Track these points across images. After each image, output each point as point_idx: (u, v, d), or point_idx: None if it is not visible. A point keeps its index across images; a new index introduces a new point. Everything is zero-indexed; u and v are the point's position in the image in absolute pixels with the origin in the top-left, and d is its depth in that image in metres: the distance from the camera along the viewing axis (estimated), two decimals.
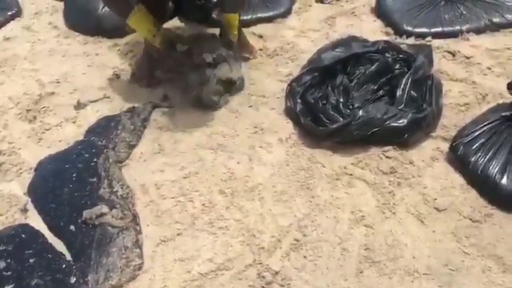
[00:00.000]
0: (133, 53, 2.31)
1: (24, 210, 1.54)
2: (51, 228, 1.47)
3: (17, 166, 1.70)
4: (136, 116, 1.86)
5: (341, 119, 1.69)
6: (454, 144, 1.62)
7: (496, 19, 2.26)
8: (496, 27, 2.25)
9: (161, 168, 1.67)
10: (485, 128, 1.61)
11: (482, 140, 1.57)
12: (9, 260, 1.36)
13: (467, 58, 2.10)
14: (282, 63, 2.19)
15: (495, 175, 1.48)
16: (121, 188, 1.59)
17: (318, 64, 1.94)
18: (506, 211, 1.44)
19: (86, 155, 1.70)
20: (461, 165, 1.58)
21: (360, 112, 1.68)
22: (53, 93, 2.05)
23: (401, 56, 1.97)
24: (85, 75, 2.17)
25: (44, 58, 2.30)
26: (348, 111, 1.75)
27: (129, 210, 1.51)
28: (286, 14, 2.55)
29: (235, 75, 1.96)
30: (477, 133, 1.60)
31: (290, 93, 1.89)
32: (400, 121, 1.67)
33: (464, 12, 2.32)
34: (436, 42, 2.21)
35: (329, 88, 1.84)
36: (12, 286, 1.30)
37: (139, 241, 1.42)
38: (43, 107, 1.97)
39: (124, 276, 1.33)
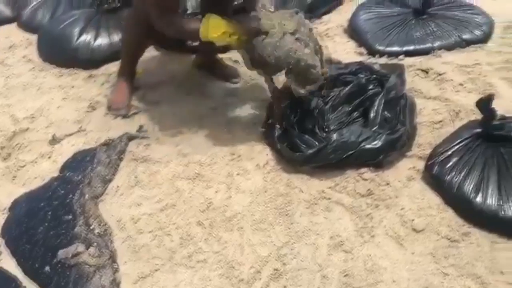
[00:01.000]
0: (109, 83, 2.30)
1: None
2: (25, 271, 1.44)
3: None
4: (112, 148, 1.85)
5: (316, 143, 1.70)
6: (428, 163, 1.64)
7: (465, 35, 2.31)
8: (466, 43, 2.30)
9: (137, 201, 1.65)
10: (458, 146, 1.62)
11: (456, 159, 1.58)
12: None
13: (440, 75, 2.13)
14: (259, 89, 2.19)
15: (470, 193, 1.49)
16: (98, 225, 1.57)
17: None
18: (483, 229, 1.45)
19: (62, 192, 1.68)
20: (436, 184, 1.59)
21: (335, 136, 1.69)
22: (27, 128, 2.03)
23: (374, 76, 1.99)
24: (60, 109, 2.16)
25: (18, 92, 2.28)
26: (324, 134, 1.75)
27: (107, 247, 1.48)
28: None
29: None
30: (450, 151, 1.61)
31: (267, 118, 1.89)
32: (375, 143, 1.68)
33: (434, 29, 2.37)
34: (408, 60, 2.25)
35: (305, 112, 1.84)
36: None
37: (117, 280, 1.40)
38: (18, 144, 1.95)
39: None
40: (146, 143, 1.91)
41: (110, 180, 1.74)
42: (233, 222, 1.55)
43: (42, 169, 1.83)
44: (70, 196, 1.66)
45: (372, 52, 2.37)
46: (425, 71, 2.16)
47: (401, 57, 2.30)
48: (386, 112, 1.78)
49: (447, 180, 1.55)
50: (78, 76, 2.39)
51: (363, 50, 2.41)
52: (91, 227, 1.55)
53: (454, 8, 2.48)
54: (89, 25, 2.55)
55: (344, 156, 1.66)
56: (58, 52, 2.52)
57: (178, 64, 2.41)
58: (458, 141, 1.64)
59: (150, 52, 2.42)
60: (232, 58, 2.42)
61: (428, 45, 2.31)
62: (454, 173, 1.55)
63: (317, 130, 1.76)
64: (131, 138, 1.93)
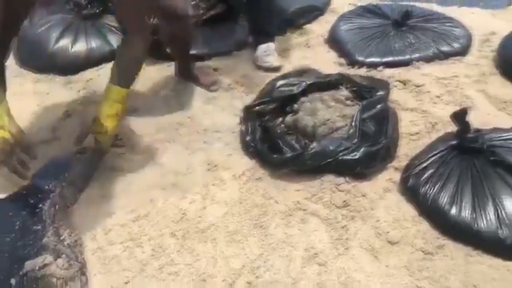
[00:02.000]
0: (85, 90, 2.27)
1: None
2: None
3: None
4: (86, 157, 1.81)
5: (297, 146, 1.69)
6: (404, 175, 1.63)
7: (443, 48, 2.33)
8: (444, 56, 2.32)
9: (110, 211, 1.62)
10: (434, 158, 1.63)
11: (431, 171, 1.58)
12: None
13: (418, 86, 2.15)
14: (237, 97, 2.19)
15: (445, 205, 1.49)
16: (69, 235, 1.52)
17: (274, 94, 1.96)
18: (457, 241, 1.45)
19: (31, 201, 1.63)
20: (412, 196, 1.58)
21: (314, 143, 1.70)
22: None
23: (354, 89, 2.00)
24: (34, 115, 2.11)
25: None
26: (306, 141, 1.77)
27: (76, 259, 1.44)
28: (241, 47, 2.57)
29: None
30: (426, 163, 1.61)
31: (247, 118, 1.88)
32: (353, 154, 1.68)
33: (413, 41, 2.39)
34: (387, 72, 2.26)
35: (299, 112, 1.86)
36: None
37: None
38: None
39: None
40: (121, 152, 1.88)
41: (83, 189, 1.70)
42: (206, 233, 1.53)
43: (13, 178, 1.78)
44: (40, 205, 1.61)
45: (352, 63, 2.37)
46: (404, 83, 2.18)
47: (380, 68, 2.30)
48: (369, 124, 1.77)
49: (422, 192, 1.55)
50: (55, 82, 2.35)
51: (343, 60, 2.41)
52: (61, 238, 1.51)
53: (433, 21, 2.50)
54: (67, 31, 2.51)
55: (322, 164, 1.66)
56: (35, 57, 2.48)
57: (157, 71, 2.39)
58: (434, 153, 1.64)
59: None
60: (212, 65, 2.41)
61: (407, 56, 2.32)
62: (429, 185, 1.55)
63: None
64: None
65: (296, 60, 2.46)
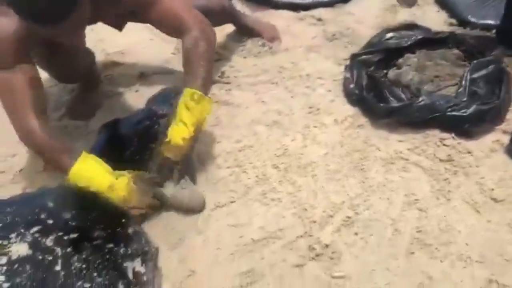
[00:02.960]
0: None
1: None
2: None
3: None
4: None
5: (405, 98, 1.69)
6: None
7: None
8: None
9: (217, 139, 1.72)
10: None
11: None
12: None
13: None
14: (341, 47, 2.18)
15: None
16: None
17: (381, 45, 1.94)
18: None
19: (148, 123, 1.76)
20: None
21: (424, 96, 1.67)
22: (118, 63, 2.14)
23: (465, 48, 1.94)
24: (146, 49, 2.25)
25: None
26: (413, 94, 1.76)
27: None
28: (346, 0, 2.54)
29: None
30: None
31: (353, 66, 1.89)
32: (463, 111, 1.65)
33: None
34: None
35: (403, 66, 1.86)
36: None
37: None
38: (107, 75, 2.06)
39: None
40: (227, 88, 1.96)
41: None
42: (307, 169, 1.59)
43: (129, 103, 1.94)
44: (156, 127, 1.73)
45: (463, 24, 2.27)
46: None
47: (494, 31, 2.19)
48: (480, 84, 1.72)
49: None
50: None
51: (454, 21, 2.32)
52: None
53: None
54: None
55: (429, 117, 1.64)
56: None
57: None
58: None
59: None
60: (315, 15, 2.41)
61: None
62: None
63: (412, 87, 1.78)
64: (214, 81, 1.98)
65: (403, 17, 2.38)
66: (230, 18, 2.16)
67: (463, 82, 1.75)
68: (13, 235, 1.37)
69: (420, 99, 1.67)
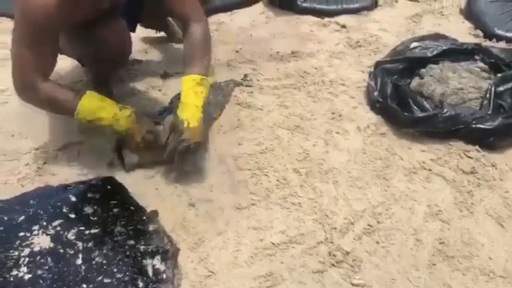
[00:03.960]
0: (218, 32, 2.37)
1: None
2: None
3: None
4: (218, 90, 1.92)
5: (430, 108, 1.68)
6: None
7: None
8: None
9: (239, 141, 1.72)
10: None
11: None
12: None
13: None
14: (365, 55, 2.18)
15: None
16: None
17: (406, 54, 1.93)
18: None
19: None
20: None
21: (449, 107, 1.66)
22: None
23: (491, 60, 1.92)
24: None
25: None
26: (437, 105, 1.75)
27: None
28: (371, 7, 2.54)
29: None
30: None
31: (377, 74, 1.88)
32: (488, 124, 1.63)
33: None
34: None
35: (425, 77, 1.84)
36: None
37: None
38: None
39: None
40: (249, 90, 1.97)
41: (215, 119, 1.82)
42: (329, 175, 1.58)
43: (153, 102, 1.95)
44: None
45: (489, 36, 2.26)
46: None
47: None
48: (505, 98, 1.71)
49: None
50: None
51: (479, 32, 2.31)
52: None
53: None
54: None
55: (454, 129, 1.63)
56: None
57: (284, 22, 2.44)
58: None
59: None
60: (340, 22, 2.41)
61: None
62: None
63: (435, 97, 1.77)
64: (236, 84, 1.99)
65: (428, 26, 2.39)
66: None
67: (488, 95, 1.74)
68: (35, 228, 1.38)
69: (445, 110, 1.66)
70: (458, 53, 1.97)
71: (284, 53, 2.19)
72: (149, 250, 1.34)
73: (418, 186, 1.53)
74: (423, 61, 1.94)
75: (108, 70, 1.81)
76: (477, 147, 1.64)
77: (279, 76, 2.05)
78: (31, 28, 1.36)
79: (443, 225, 1.40)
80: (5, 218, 1.41)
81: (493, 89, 1.75)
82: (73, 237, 1.36)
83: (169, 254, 1.33)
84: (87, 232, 1.38)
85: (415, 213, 1.44)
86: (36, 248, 1.33)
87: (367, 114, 1.83)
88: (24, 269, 1.28)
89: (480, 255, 1.33)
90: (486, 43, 2.21)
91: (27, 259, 1.30)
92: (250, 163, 1.63)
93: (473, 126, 1.63)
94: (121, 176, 1.57)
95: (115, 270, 1.29)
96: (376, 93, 1.84)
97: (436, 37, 2.07)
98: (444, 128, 1.64)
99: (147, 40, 2.27)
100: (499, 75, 1.85)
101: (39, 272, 1.27)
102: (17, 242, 1.34)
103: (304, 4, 2.51)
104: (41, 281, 1.24)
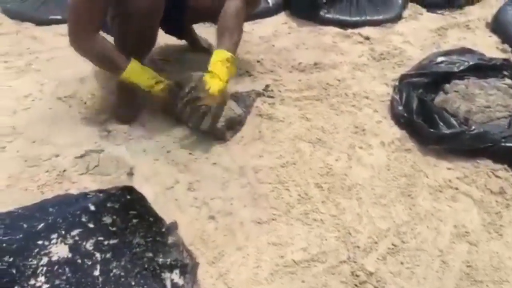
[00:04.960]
0: None
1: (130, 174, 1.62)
2: None
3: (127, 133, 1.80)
4: (240, 101, 1.90)
5: (456, 125, 1.63)
6: None
7: None
8: None
9: (260, 153, 1.69)
10: None
11: None
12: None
13: None
14: (389, 68, 2.14)
15: None
16: None
17: (432, 69, 1.89)
18: None
19: None
20: None
21: (477, 124, 1.62)
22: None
23: None
24: None
25: None
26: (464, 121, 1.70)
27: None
28: (395, 19, 2.50)
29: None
30: None
31: (402, 88, 1.85)
32: None
33: None
34: None
35: (449, 93, 1.78)
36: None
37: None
38: None
39: None
40: (271, 102, 1.94)
41: (238, 130, 1.79)
42: (352, 191, 1.54)
43: None
44: None
45: None
46: None
47: None
48: None
49: None
50: None
51: (507, 47, 2.25)
52: None
53: None
54: None
55: (482, 147, 1.58)
56: None
57: (308, 33, 2.42)
58: None
59: None
60: (363, 34, 2.38)
61: None
62: None
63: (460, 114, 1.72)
64: (258, 94, 1.97)
65: (454, 40, 2.35)
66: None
67: None
68: (54, 236, 1.37)
69: (473, 127, 1.61)
70: (485, 68, 1.92)
71: (306, 64, 2.17)
72: (168, 263, 1.32)
73: (444, 205, 1.49)
74: (449, 76, 1.90)
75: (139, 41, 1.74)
76: (505, 166, 1.59)
77: (301, 87, 2.02)
78: None
79: (471, 247, 1.35)
80: (25, 225, 1.40)
81: None
82: (91, 248, 1.35)
83: (188, 268, 1.30)
84: (105, 242, 1.37)
85: (441, 234, 1.40)
86: (54, 258, 1.31)
87: (391, 129, 1.79)
88: (42, 278, 1.26)
89: (510, 280, 1.27)
90: None
91: (45, 268, 1.29)
92: (271, 176, 1.60)
93: (502, 144, 1.59)
94: (140, 186, 1.55)
95: (133, 283, 1.27)
96: (400, 108, 1.81)
97: (463, 51, 2.02)
98: (472, 146, 1.60)
99: (167, 48, 2.26)
100: None
101: (57, 282, 1.25)
102: (36, 251, 1.32)
103: (327, 15, 2.49)
104: None
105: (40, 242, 1.35)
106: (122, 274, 1.29)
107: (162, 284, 1.27)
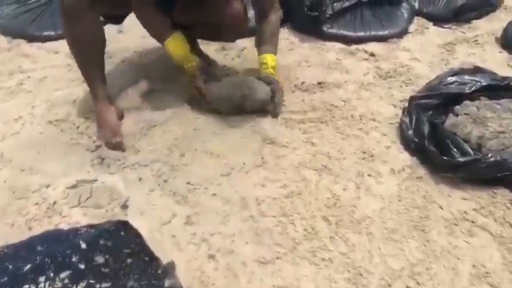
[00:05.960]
0: (240, 58, 2.27)
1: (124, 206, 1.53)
2: None
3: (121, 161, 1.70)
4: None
5: (471, 152, 1.54)
6: None
7: None
8: None
9: (262, 182, 1.60)
10: None
11: None
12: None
13: None
14: (396, 87, 2.05)
15: None
16: None
17: (442, 90, 1.80)
18: None
19: None
20: None
21: (493, 152, 1.52)
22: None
23: None
24: None
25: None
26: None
27: None
28: (401, 34, 2.42)
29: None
30: None
31: (411, 110, 1.75)
32: None
33: None
34: None
35: (459, 116, 1.69)
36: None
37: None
38: None
39: None
40: (273, 123, 1.85)
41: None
42: (361, 225, 1.44)
43: None
44: None
45: None
46: None
47: None
48: None
49: None
50: None
51: None
52: None
53: None
54: None
55: (499, 175, 1.48)
56: None
57: (310, 49, 2.33)
58: None
59: None
60: (368, 50, 2.28)
61: None
62: None
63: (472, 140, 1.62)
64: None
65: (462, 56, 2.26)
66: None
67: None
68: (42, 279, 1.27)
69: (490, 155, 1.51)
70: (497, 88, 1.83)
71: (309, 83, 2.07)
72: None
73: (460, 241, 1.39)
74: (460, 97, 1.80)
75: None
76: None
77: (305, 108, 1.93)
78: None
79: None
80: (10, 266, 1.30)
81: None
82: None
83: None
84: (97, 286, 1.26)
85: (459, 275, 1.30)
86: None
87: (401, 155, 1.69)
88: None
89: None
90: None
91: None
92: (275, 208, 1.50)
93: None
94: (135, 220, 1.45)
95: None
96: (410, 132, 1.71)
97: (474, 71, 1.92)
98: (488, 175, 1.50)
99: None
100: None
101: None
102: None
103: (330, 30, 2.40)
104: None
105: (26, 287, 1.25)
106: None
107: None
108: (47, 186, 1.58)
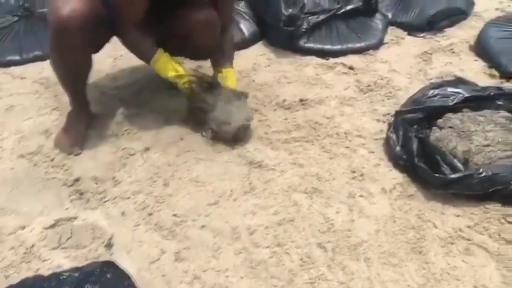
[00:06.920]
0: None
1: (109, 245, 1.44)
2: None
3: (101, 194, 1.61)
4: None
5: (461, 167, 1.52)
6: None
7: None
8: None
9: (252, 210, 1.54)
10: None
11: None
12: None
13: None
14: (378, 100, 2.03)
15: None
16: None
17: (426, 103, 1.79)
18: None
19: None
20: None
21: (483, 167, 1.51)
22: None
23: None
24: None
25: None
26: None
27: None
28: (377, 45, 2.41)
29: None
30: None
31: (397, 126, 1.73)
32: None
33: None
34: None
35: (443, 130, 1.68)
36: None
37: None
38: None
39: None
40: (258, 146, 1.80)
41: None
42: (358, 250, 1.40)
43: None
44: None
45: (506, 76, 2.14)
46: None
47: None
48: None
49: None
50: None
51: (495, 71, 2.18)
52: None
53: None
54: None
55: (491, 190, 1.47)
56: None
57: (289, 64, 2.29)
58: None
59: None
60: (346, 63, 2.27)
61: None
62: None
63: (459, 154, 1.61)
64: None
65: (440, 65, 2.27)
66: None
67: None
68: None
69: (481, 170, 1.50)
70: (480, 99, 1.83)
71: (291, 101, 2.03)
72: None
73: (458, 261, 1.37)
74: (443, 110, 1.80)
75: None
76: None
77: (289, 127, 1.89)
78: None
79: None
80: None
81: None
82: None
83: None
84: None
85: None
86: None
87: (391, 173, 1.67)
88: None
89: None
90: (504, 84, 2.09)
91: None
92: (268, 238, 1.44)
93: None
94: (121, 259, 1.37)
95: None
96: (398, 148, 1.69)
97: (455, 82, 1.92)
98: (481, 190, 1.49)
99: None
100: None
101: None
102: None
103: (307, 44, 2.37)
104: None
105: None
106: None
107: None
108: (23, 228, 1.48)
